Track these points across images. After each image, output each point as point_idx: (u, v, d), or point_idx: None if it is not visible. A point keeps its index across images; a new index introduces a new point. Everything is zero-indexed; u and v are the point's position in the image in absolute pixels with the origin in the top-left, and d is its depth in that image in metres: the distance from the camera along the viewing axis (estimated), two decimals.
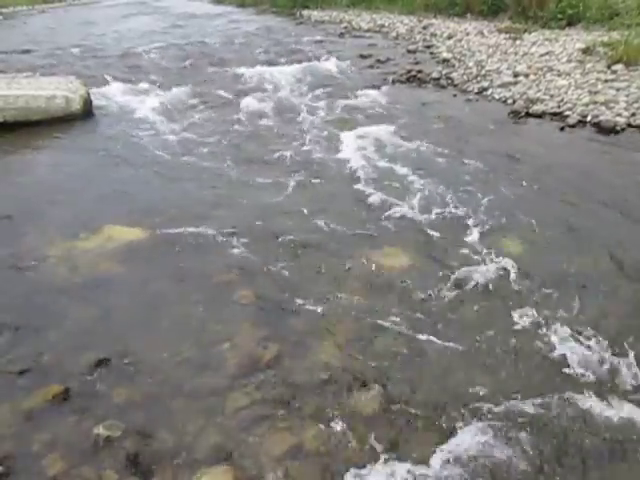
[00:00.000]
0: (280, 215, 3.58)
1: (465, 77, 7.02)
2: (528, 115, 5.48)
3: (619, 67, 5.91)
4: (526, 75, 6.47)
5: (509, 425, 1.96)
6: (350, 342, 2.42)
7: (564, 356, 2.28)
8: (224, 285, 2.85)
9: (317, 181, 4.12)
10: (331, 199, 3.85)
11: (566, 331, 2.42)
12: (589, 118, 5.09)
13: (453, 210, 3.56)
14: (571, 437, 1.91)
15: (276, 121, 5.76)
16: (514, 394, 2.09)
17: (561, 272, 2.88)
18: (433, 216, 3.50)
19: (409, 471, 1.80)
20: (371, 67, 8.16)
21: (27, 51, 10.12)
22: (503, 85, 6.37)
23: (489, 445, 1.88)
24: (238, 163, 4.57)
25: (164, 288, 2.86)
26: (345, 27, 12.67)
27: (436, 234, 3.30)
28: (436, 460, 1.84)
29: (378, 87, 6.92)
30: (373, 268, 2.98)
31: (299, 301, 2.69)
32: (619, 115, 4.97)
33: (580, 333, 2.40)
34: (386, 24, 12.10)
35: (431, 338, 2.41)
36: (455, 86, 6.85)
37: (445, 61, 8.08)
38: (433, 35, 10.17)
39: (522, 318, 2.52)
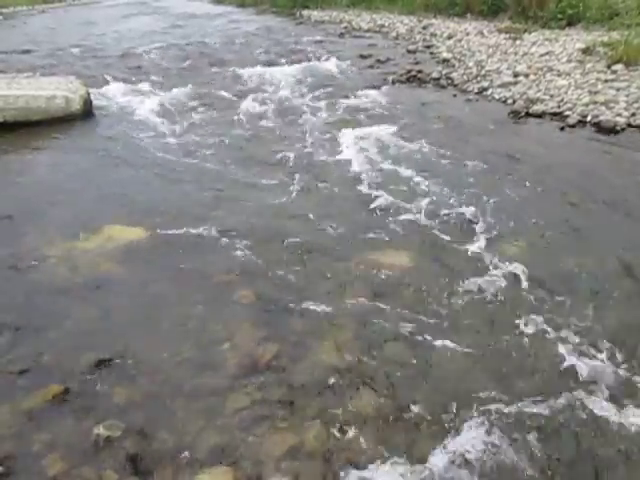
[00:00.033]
0: (280, 216, 3.58)
1: (465, 77, 7.02)
2: (528, 115, 5.48)
3: (619, 67, 5.91)
4: (526, 75, 6.47)
5: (510, 427, 1.96)
6: (351, 342, 2.42)
7: (569, 358, 2.28)
8: (224, 285, 2.85)
9: (318, 182, 4.12)
10: (332, 200, 3.85)
11: (571, 333, 2.42)
12: (589, 118, 5.09)
13: (455, 211, 3.55)
14: (574, 441, 1.91)
15: (276, 122, 5.76)
16: (517, 396, 2.09)
17: (562, 272, 2.88)
18: (434, 217, 3.50)
19: (409, 472, 1.80)
20: (371, 67, 8.16)
21: (27, 51, 10.12)
22: (503, 85, 6.37)
23: (491, 447, 1.88)
24: (238, 164, 4.57)
25: (164, 288, 2.86)
26: (345, 27, 12.67)
27: (437, 235, 3.30)
28: (437, 461, 1.83)
29: (378, 87, 6.92)
30: (374, 269, 2.97)
31: (299, 301, 2.69)
32: (619, 115, 4.96)
33: (583, 334, 2.41)
34: (386, 24, 12.10)
35: (432, 339, 2.41)
36: (455, 86, 6.85)
37: (445, 61, 8.08)
38: (433, 35, 10.17)
39: (526, 320, 2.51)
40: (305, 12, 16.01)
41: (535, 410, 2.02)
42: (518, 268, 2.89)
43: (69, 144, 5.19)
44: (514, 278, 2.83)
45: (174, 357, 2.34)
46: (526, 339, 2.40)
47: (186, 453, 1.89)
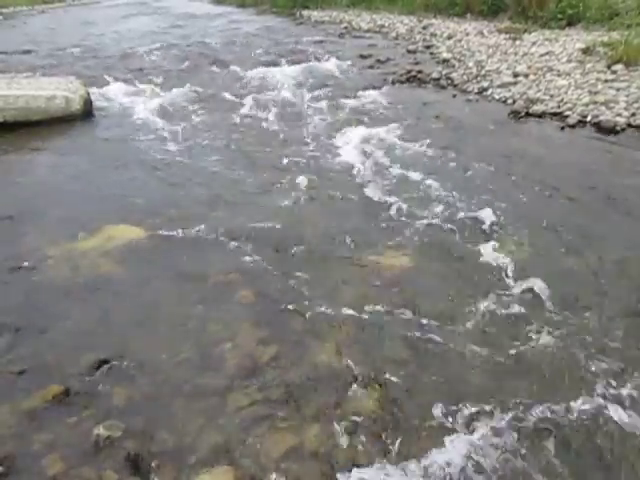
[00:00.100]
0: (281, 216, 3.57)
1: (465, 77, 7.02)
2: (528, 115, 5.48)
3: (619, 67, 5.91)
4: (526, 75, 6.47)
5: (510, 427, 1.96)
6: (351, 342, 2.42)
7: (569, 358, 2.28)
8: (224, 285, 2.86)
9: (318, 183, 4.11)
10: (332, 201, 3.85)
11: (571, 332, 2.42)
12: (589, 118, 5.09)
13: (455, 211, 3.56)
14: (575, 442, 1.91)
15: (276, 122, 5.76)
16: (517, 396, 2.09)
17: (562, 271, 2.89)
18: (435, 217, 3.49)
19: (409, 472, 1.80)
20: (371, 67, 8.16)
21: (27, 51, 10.12)
22: (503, 85, 6.37)
23: (490, 447, 1.88)
24: (239, 165, 4.57)
25: (164, 288, 2.86)
26: (345, 27, 12.68)
27: (438, 236, 3.30)
28: (436, 461, 1.83)
29: (378, 87, 6.92)
30: (374, 269, 2.97)
31: (299, 301, 2.69)
32: (619, 115, 4.96)
33: (584, 335, 2.41)
34: (386, 24, 12.10)
35: (432, 339, 2.41)
36: (455, 86, 6.85)
37: (445, 61, 8.08)
38: (433, 35, 10.17)
39: (526, 320, 2.52)
40: (305, 12, 16.02)
41: (536, 410, 2.02)
42: (517, 267, 2.89)
43: (69, 144, 5.19)
44: (514, 278, 2.83)
45: (174, 357, 2.34)
46: (526, 339, 2.40)
47: (186, 453, 1.89)
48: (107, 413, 2.04)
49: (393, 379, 2.20)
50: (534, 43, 7.93)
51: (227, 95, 6.78)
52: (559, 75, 6.21)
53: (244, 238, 3.27)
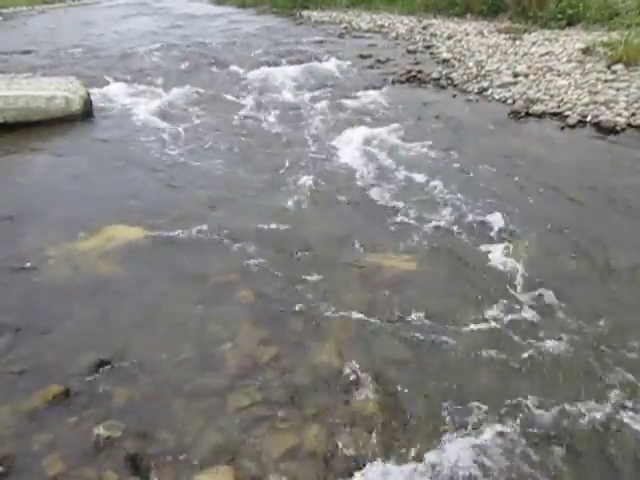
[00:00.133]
0: (281, 217, 3.57)
1: (465, 77, 7.02)
2: (528, 115, 5.48)
3: (619, 67, 5.90)
4: (526, 75, 6.47)
5: (510, 427, 1.96)
6: (351, 342, 2.42)
7: (569, 359, 2.28)
8: (224, 285, 2.85)
9: (319, 183, 4.11)
10: (333, 201, 3.85)
11: (572, 333, 2.42)
12: (589, 118, 5.09)
13: (457, 212, 3.55)
14: (576, 444, 1.91)
15: (276, 122, 5.76)
16: (517, 396, 2.09)
17: (564, 273, 2.89)
18: (436, 218, 3.49)
19: (409, 471, 1.80)
20: (371, 67, 8.16)
21: (27, 51, 10.12)
22: (503, 85, 6.37)
23: (490, 447, 1.88)
24: (239, 165, 4.57)
25: (164, 288, 2.86)
26: (345, 27, 12.67)
27: (440, 237, 3.30)
28: (436, 461, 1.83)
29: (378, 87, 6.92)
30: (375, 270, 2.97)
31: (299, 301, 2.69)
32: (619, 115, 4.96)
33: (586, 335, 2.41)
34: (386, 24, 12.10)
35: (433, 339, 2.41)
36: (455, 86, 6.85)
37: (445, 61, 8.08)
38: (433, 35, 10.17)
39: (527, 321, 2.52)
40: (305, 12, 16.02)
41: (536, 410, 2.02)
42: (523, 269, 2.89)
43: (69, 145, 5.19)
44: (519, 280, 2.83)
45: (174, 357, 2.34)
46: (527, 339, 2.40)
47: (186, 453, 1.89)
48: (107, 413, 2.04)
49: (393, 379, 2.20)
50: (534, 43, 7.93)
51: (227, 96, 6.78)
52: (559, 75, 6.21)
53: (244, 239, 3.27)
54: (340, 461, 1.85)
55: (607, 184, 3.89)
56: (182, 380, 2.22)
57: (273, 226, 3.43)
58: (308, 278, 2.89)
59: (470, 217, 3.47)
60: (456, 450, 1.86)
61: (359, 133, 5.11)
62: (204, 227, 3.38)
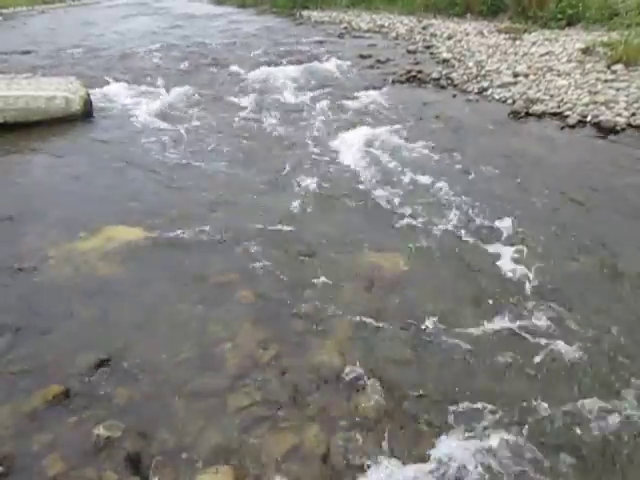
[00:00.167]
0: (281, 217, 3.57)
1: (465, 77, 7.02)
2: (528, 115, 5.48)
3: (619, 67, 5.91)
4: (526, 75, 6.47)
5: (510, 427, 1.96)
6: (351, 342, 2.42)
7: (569, 359, 2.28)
8: (224, 285, 2.85)
9: (319, 183, 4.11)
10: (333, 202, 3.85)
11: (573, 333, 2.42)
12: (589, 118, 5.09)
13: (458, 212, 3.55)
14: (574, 442, 1.91)
15: (277, 123, 5.76)
16: (517, 396, 2.09)
17: (564, 273, 2.89)
18: (436, 218, 3.49)
19: (409, 471, 1.80)
20: (371, 67, 8.16)
21: (27, 52, 10.12)
22: (503, 85, 6.37)
23: (490, 447, 1.88)
24: (239, 165, 4.57)
25: (164, 288, 2.86)
26: (345, 27, 12.68)
27: (439, 236, 3.30)
28: (436, 461, 1.83)
29: (378, 88, 6.92)
30: (375, 270, 2.97)
31: (300, 301, 2.69)
32: (619, 115, 4.96)
33: (587, 335, 2.41)
34: (386, 24, 12.10)
35: (434, 340, 2.41)
36: (455, 86, 6.85)
37: (445, 61, 8.08)
38: (433, 35, 10.17)
39: (528, 321, 2.52)
40: (305, 13, 16.02)
41: (537, 412, 2.02)
42: (518, 267, 2.89)
43: (69, 145, 5.19)
44: (518, 277, 2.83)
45: (174, 357, 2.34)
46: (527, 339, 2.40)
47: (186, 453, 1.89)
48: (107, 413, 2.04)
49: (394, 379, 2.20)
50: (534, 43, 7.93)
51: (227, 96, 6.78)
52: (559, 75, 6.21)
53: (244, 239, 3.27)
54: (340, 461, 1.85)
55: (607, 184, 3.89)
56: (182, 380, 2.22)
57: (273, 227, 3.43)
58: (308, 278, 2.89)
59: (471, 218, 3.47)
60: (457, 451, 1.86)
61: (360, 134, 5.10)
62: (204, 228, 3.38)
